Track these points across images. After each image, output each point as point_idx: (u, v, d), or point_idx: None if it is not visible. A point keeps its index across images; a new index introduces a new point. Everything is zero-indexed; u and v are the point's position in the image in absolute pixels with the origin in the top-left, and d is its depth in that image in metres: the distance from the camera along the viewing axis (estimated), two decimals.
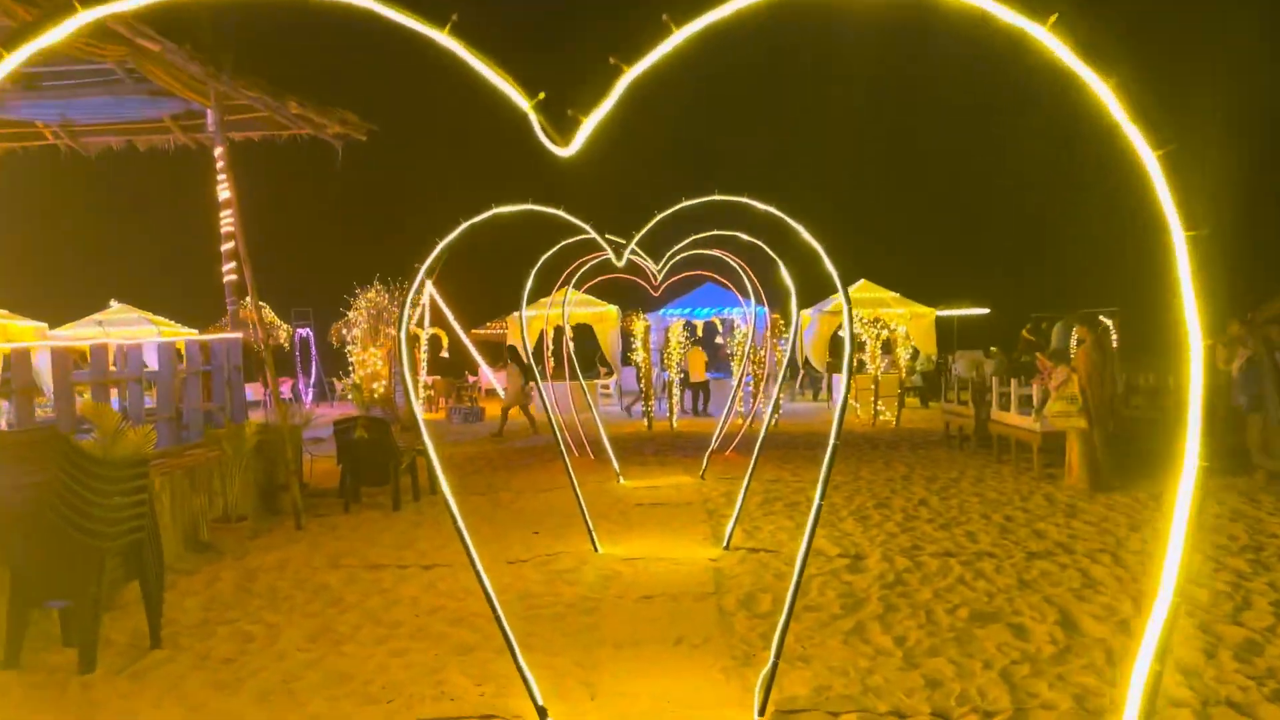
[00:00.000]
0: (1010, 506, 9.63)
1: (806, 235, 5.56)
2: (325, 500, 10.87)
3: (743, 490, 8.47)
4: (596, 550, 8.11)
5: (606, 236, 8.49)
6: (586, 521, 8.21)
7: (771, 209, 5.92)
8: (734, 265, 12.22)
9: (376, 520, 9.94)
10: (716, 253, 11.35)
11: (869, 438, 16.78)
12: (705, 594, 6.88)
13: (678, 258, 10.70)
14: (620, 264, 8.71)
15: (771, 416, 15.42)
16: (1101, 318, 20.71)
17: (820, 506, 5.28)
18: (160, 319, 24.54)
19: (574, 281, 14.46)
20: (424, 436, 5.36)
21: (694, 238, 8.99)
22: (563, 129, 3.38)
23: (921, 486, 10.88)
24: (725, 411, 13.94)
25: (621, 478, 11.71)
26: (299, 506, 9.52)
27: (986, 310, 29.60)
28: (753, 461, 8.48)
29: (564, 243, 9.41)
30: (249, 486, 9.76)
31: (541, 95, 3.27)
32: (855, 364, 22.51)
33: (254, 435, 9.07)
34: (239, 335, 11.04)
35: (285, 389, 27.95)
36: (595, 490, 11.09)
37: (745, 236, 8.14)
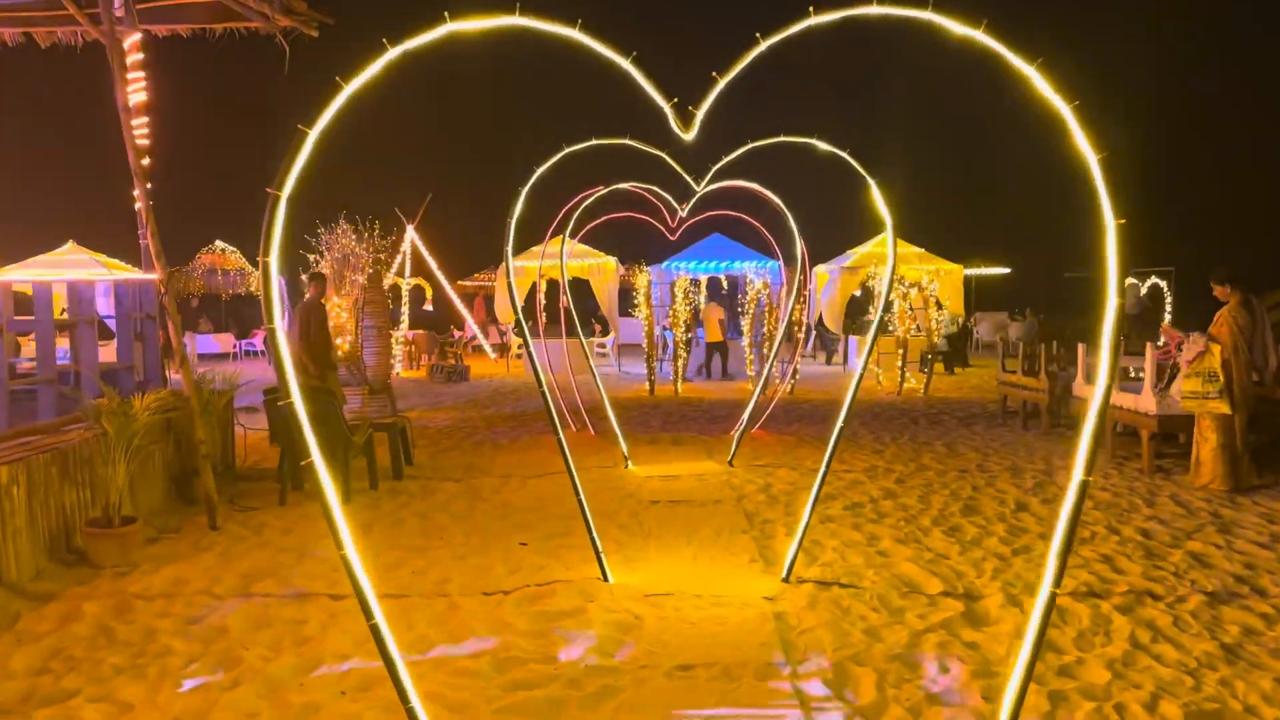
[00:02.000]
0: (1137, 515, 7.32)
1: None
2: (261, 486, 8.49)
3: (808, 510, 6.07)
4: (606, 579, 5.76)
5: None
6: (593, 538, 5.84)
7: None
8: (770, 208, 9.81)
9: (319, 517, 7.51)
10: (756, 189, 8.91)
11: (902, 409, 14.47)
12: (770, 664, 4.55)
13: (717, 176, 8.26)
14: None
15: (789, 382, 13.03)
16: (1155, 279, 18.40)
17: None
18: (115, 262, 21.95)
19: (569, 229, 11.98)
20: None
21: (751, 145, 6.56)
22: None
23: (1008, 482, 8.55)
24: (761, 378, 11.55)
25: (630, 462, 9.34)
26: (213, 502, 7.13)
27: (1007, 269, 27.21)
28: (825, 464, 6.08)
29: (557, 158, 6.95)
30: (153, 475, 7.37)
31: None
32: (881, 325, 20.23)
33: (152, 409, 6.65)
34: (153, 277, 8.56)
35: (257, 341, 25.47)
36: (598, 479, 8.74)
37: (823, 145, 5.71)
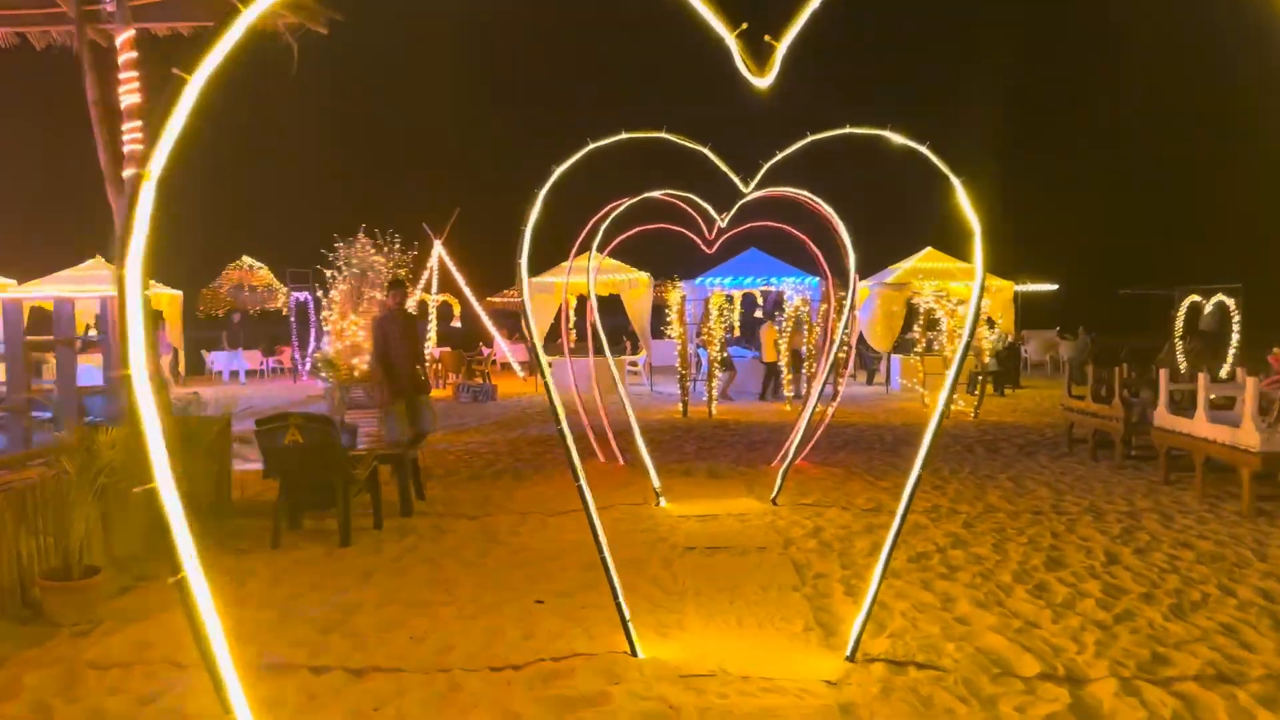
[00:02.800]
0: (1251, 571, 6.25)
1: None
2: (257, 525, 7.64)
3: (876, 578, 5.06)
4: (634, 654, 4.83)
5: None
6: (620, 607, 4.91)
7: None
8: (820, 216, 8.82)
9: (315, 562, 6.71)
10: (806, 197, 7.99)
11: (955, 435, 13.40)
12: None
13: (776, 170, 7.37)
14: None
15: (831, 404, 12.06)
16: (1221, 296, 17.20)
17: None
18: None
19: (597, 242, 11.09)
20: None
21: (812, 137, 5.65)
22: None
23: (1091, 527, 7.51)
24: (807, 402, 10.57)
25: (662, 499, 8.39)
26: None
27: (1055, 286, 25.96)
28: (897, 526, 5.08)
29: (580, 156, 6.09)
30: (132, 515, 6.55)
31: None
32: (925, 344, 19.16)
33: (119, 443, 5.83)
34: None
35: (284, 358, 24.86)
36: (627, 519, 7.81)
37: (896, 138, 4.78)
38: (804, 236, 9.68)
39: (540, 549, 6.92)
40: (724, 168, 6.41)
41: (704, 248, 9.45)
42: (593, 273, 10.63)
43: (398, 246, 12.63)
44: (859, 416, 15.78)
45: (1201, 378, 8.59)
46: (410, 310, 12.57)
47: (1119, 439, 10.19)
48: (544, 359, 5.54)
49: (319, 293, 12.29)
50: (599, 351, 13.56)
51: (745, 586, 5.95)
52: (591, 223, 9.95)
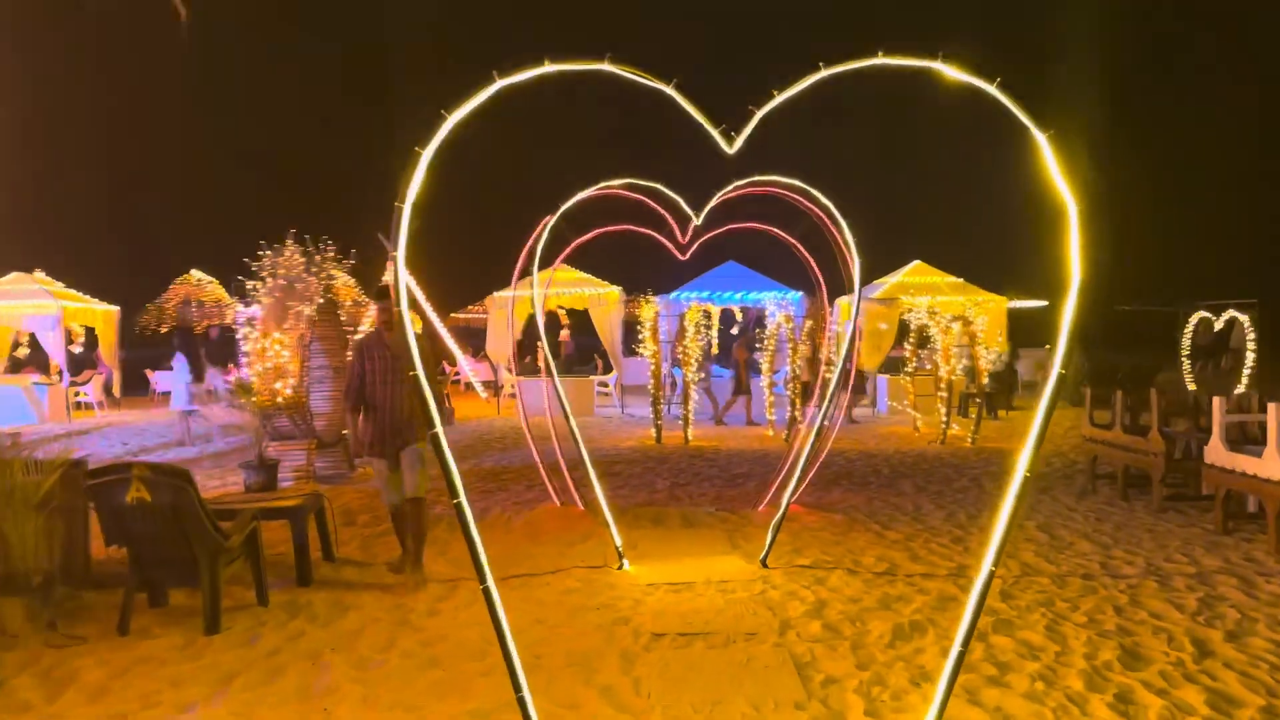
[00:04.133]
0: None
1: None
2: (111, 600, 5.94)
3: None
4: None
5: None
6: None
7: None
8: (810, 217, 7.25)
9: (166, 658, 5.01)
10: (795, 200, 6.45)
11: (955, 465, 11.88)
12: None
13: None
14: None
15: (818, 435, 10.47)
16: (1233, 311, 15.82)
17: None
18: (72, 292, 19.59)
19: (539, 247, 9.49)
20: None
21: (826, 71, 4.08)
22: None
23: (1159, 596, 5.92)
24: (811, 432, 8.98)
25: (626, 560, 6.72)
26: None
27: (1044, 303, 24.57)
28: (960, 644, 3.48)
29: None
30: None
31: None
32: (915, 363, 17.65)
33: None
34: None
35: (219, 380, 22.96)
36: (582, 589, 6.15)
37: (952, 70, 3.23)
38: (791, 240, 8.12)
39: (462, 639, 5.25)
40: (699, 117, 4.83)
41: (676, 254, 7.88)
42: (538, 292, 8.98)
43: (331, 254, 10.96)
44: (848, 443, 14.22)
45: (1272, 408, 7.08)
46: (411, 328, 10.68)
47: (1158, 478, 8.66)
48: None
49: (242, 307, 10.62)
50: (560, 372, 11.92)
51: (733, 702, 4.31)
52: (532, 239, 8.35)
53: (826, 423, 6.88)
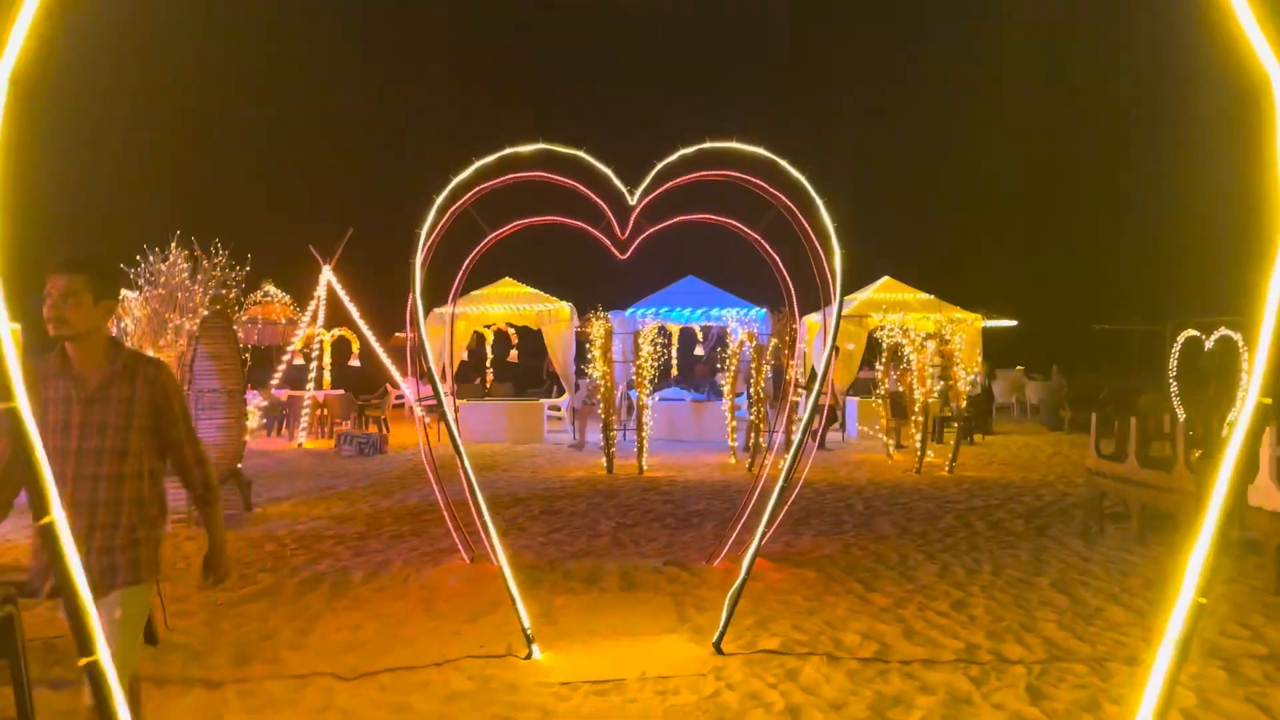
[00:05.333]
0: None
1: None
2: None
3: None
4: None
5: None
6: None
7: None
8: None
9: None
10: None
11: (937, 498, 10.40)
12: None
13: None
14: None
15: (791, 464, 8.94)
16: (1225, 330, 14.56)
17: None
18: None
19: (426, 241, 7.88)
20: None
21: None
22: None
23: (1237, 696, 4.41)
24: (777, 464, 7.42)
25: (536, 646, 5.03)
26: None
27: (1014, 322, 23.38)
28: None
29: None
30: None
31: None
32: (886, 384, 16.25)
33: None
34: None
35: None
36: (470, 696, 4.43)
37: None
38: (752, 235, 6.57)
39: None
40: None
41: (614, 252, 6.33)
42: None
43: (221, 260, 9.30)
44: (817, 473, 12.70)
45: None
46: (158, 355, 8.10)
47: (1188, 522, 7.20)
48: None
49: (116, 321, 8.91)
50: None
51: None
52: (466, 266, 6.77)
53: (797, 457, 5.35)
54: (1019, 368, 22.34)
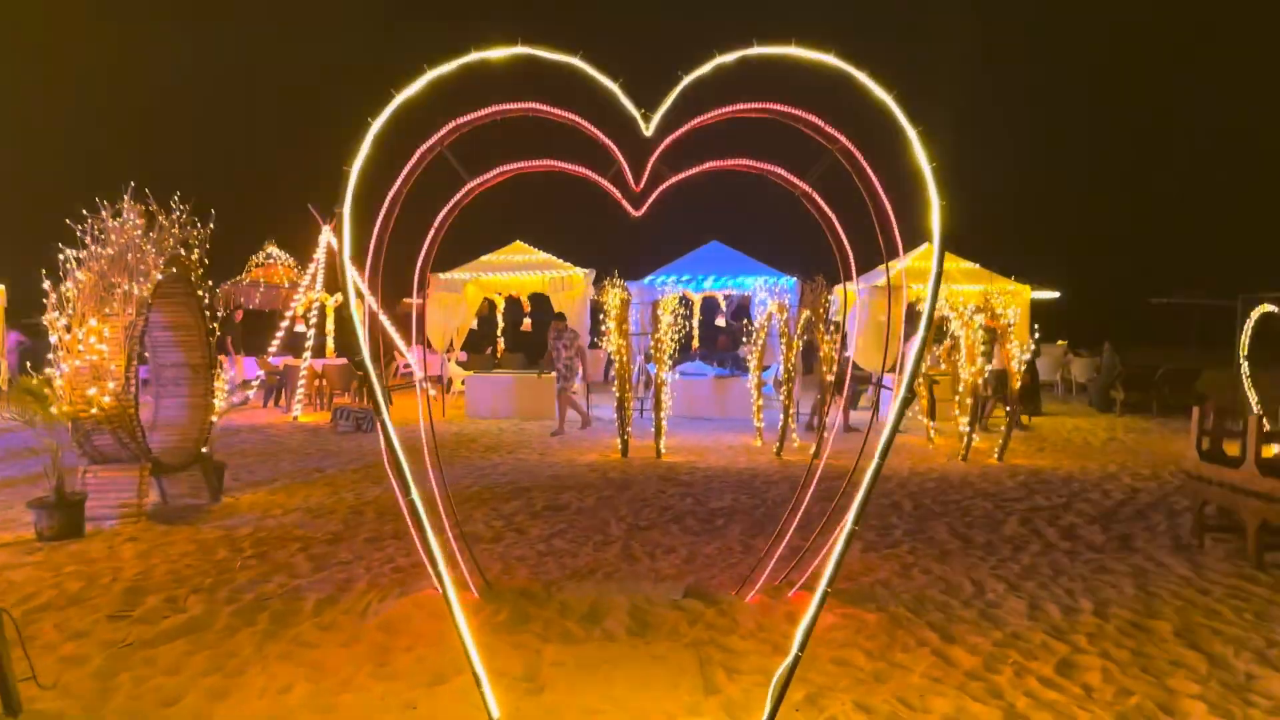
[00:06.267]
0: None
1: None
2: None
3: None
4: None
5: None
6: None
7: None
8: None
9: None
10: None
11: (989, 494, 8.99)
12: None
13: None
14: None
15: (877, 471, 7.48)
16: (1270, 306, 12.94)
17: None
18: None
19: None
20: None
21: None
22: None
23: None
24: (872, 466, 6.00)
25: (495, 713, 3.66)
26: None
27: (1057, 294, 21.68)
28: None
29: None
30: None
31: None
32: (927, 361, 14.77)
33: None
34: None
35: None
36: None
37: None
38: (802, 186, 5.12)
39: None
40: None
41: (627, 207, 4.92)
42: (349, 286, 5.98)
43: (182, 217, 7.95)
44: (849, 459, 11.31)
45: None
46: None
47: None
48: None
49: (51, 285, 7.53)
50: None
51: None
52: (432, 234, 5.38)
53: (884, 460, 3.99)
54: (1061, 342, 20.73)
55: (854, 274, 5.46)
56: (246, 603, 5.29)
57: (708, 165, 4.87)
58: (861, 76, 3.31)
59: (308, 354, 15.43)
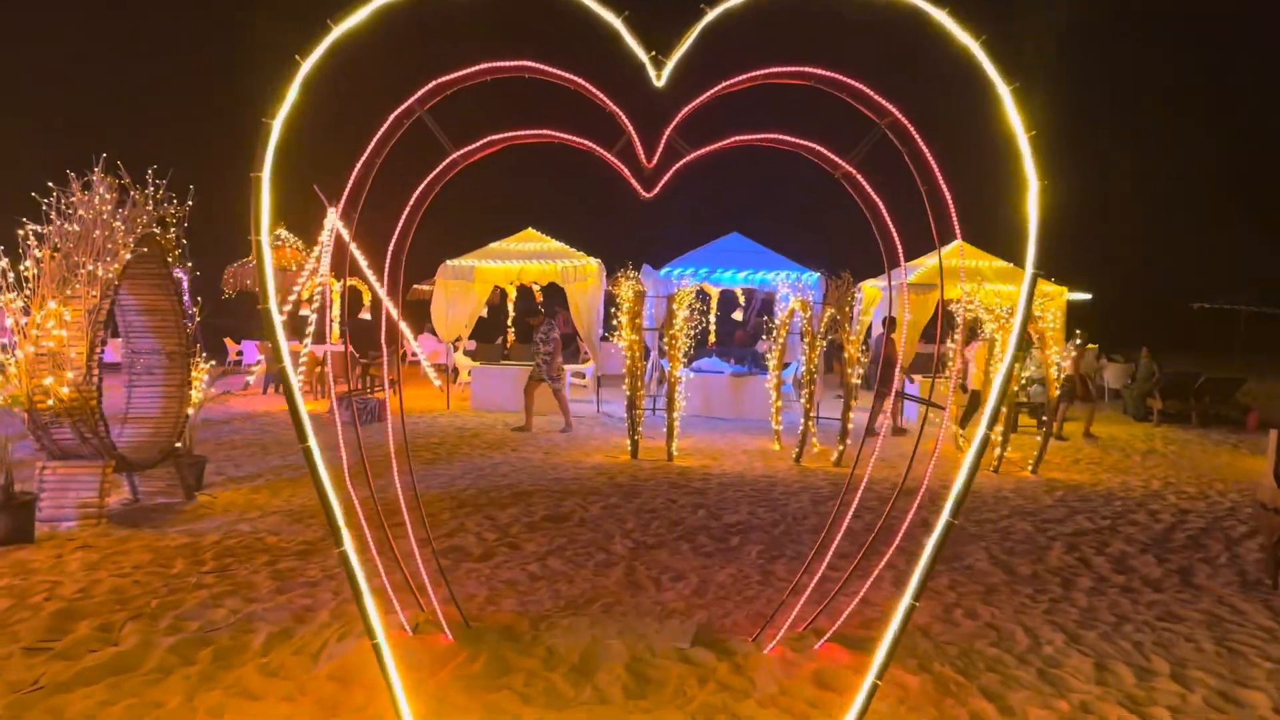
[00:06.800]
0: None
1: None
2: None
3: None
4: None
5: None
6: None
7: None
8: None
9: None
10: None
11: (1029, 513, 8.16)
12: None
13: None
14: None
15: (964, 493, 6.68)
16: None
17: None
18: None
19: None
20: None
21: None
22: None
23: None
24: (956, 488, 5.20)
25: None
26: None
27: (1089, 295, 20.69)
28: None
29: None
30: None
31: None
32: (957, 362, 13.89)
33: None
34: None
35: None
36: None
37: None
38: (844, 167, 4.29)
39: None
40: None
41: (637, 188, 4.13)
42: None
43: (157, 193, 7.22)
44: (877, 469, 10.52)
45: None
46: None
47: None
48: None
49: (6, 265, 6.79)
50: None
51: None
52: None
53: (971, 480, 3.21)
54: (1092, 346, 19.76)
55: (902, 261, 4.63)
56: (185, 638, 4.55)
57: (733, 140, 4.06)
58: (941, 15, 2.49)
59: (309, 340, 14.74)
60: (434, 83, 3.99)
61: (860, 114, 4.24)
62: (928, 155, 3.98)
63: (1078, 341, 13.24)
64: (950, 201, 4.06)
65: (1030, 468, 10.77)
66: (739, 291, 18.23)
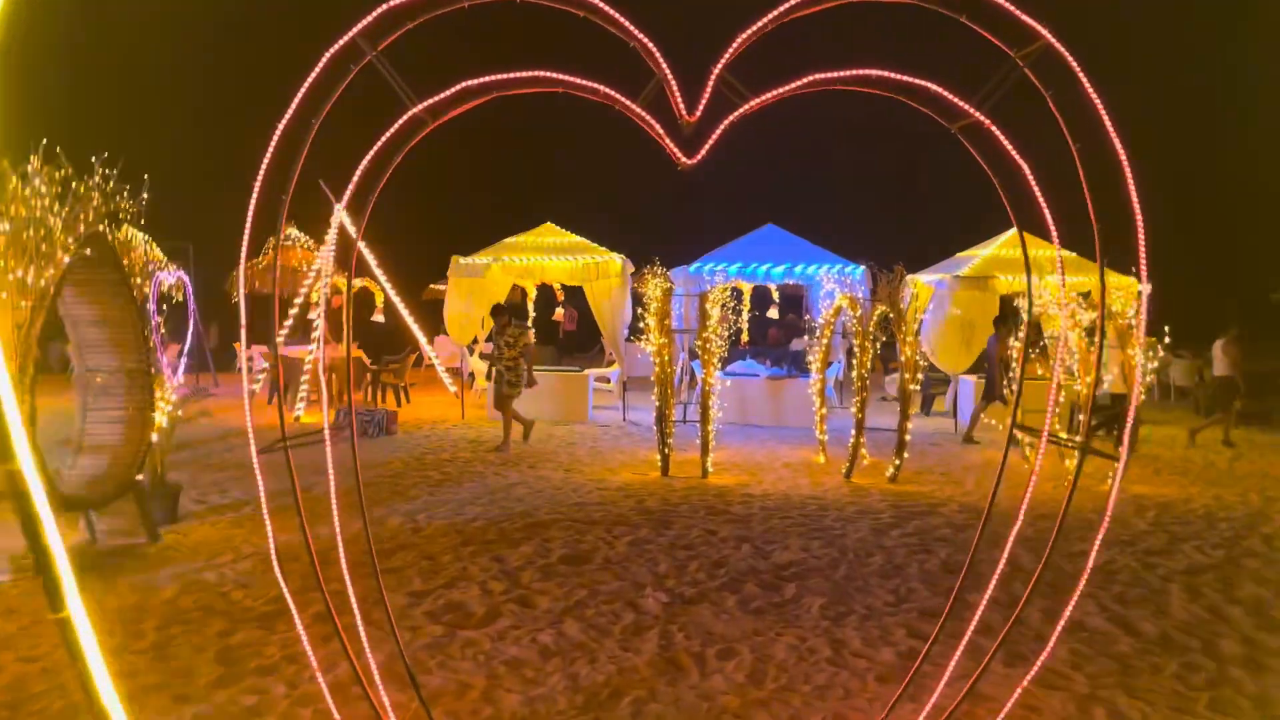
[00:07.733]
0: None
1: None
2: None
3: None
4: None
5: None
6: None
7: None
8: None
9: None
10: None
11: (1131, 547, 6.81)
12: None
13: None
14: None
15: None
16: None
17: None
18: None
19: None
20: None
21: None
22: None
23: None
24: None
25: None
26: None
27: (1148, 285, 18.98)
28: None
29: None
30: None
31: None
32: (1026, 367, 12.57)
33: None
34: None
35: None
36: None
37: None
38: (977, 114, 3.02)
39: None
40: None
41: (674, 153, 2.93)
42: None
43: (104, 184, 6.10)
44: (933, 485, 9.23)
45: None
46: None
47: None
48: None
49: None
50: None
51: None
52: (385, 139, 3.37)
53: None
54: (1151, 340, 18.20)
55: (1058, 243, 3.32)
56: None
57: (809, 79, 2.79)
58: None
59: (314, 345, 13.60)
60: (384, 6, 2.75)
61: (975, 48, 2.97)
62: (1092, 93, 2.70)
63: (1229, 335, 12.36)
64: (1126, 161, 2.78)
65: (1110, 480, 9.39)
66: (773, 287, 16.91)
